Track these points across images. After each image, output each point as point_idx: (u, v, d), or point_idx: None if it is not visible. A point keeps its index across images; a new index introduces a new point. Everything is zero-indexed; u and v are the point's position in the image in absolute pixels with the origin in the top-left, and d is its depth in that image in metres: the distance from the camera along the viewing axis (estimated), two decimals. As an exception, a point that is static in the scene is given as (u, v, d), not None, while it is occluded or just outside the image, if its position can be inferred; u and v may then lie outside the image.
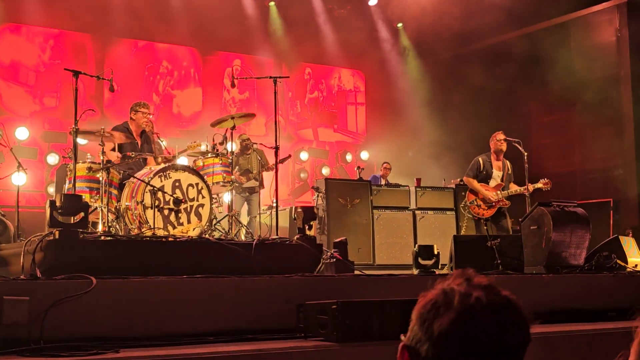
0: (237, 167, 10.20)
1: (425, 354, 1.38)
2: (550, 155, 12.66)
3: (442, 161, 13.00)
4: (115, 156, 7.37)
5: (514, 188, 9.00)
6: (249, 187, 10.18)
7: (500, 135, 9.12)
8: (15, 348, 3.61)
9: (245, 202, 10.26)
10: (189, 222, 6.78)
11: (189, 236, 6.22)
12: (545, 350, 4.84)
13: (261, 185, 10.43)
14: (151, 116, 8.19)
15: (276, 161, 7.40)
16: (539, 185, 8.86)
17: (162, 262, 5.09)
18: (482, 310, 1.37)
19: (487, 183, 9.02)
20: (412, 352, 1.41)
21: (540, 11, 12.97)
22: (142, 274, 4.53)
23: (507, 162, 9.22)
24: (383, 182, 11.79)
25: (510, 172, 9.19)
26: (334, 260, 6.24)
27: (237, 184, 8.71)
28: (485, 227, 8.22)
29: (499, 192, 8.92)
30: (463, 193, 9.41)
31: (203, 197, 6.96)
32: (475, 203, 8.98)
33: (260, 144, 9.70)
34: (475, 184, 9.02)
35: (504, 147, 9.07)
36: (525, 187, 8.75)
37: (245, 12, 14.14)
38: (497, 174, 9.09)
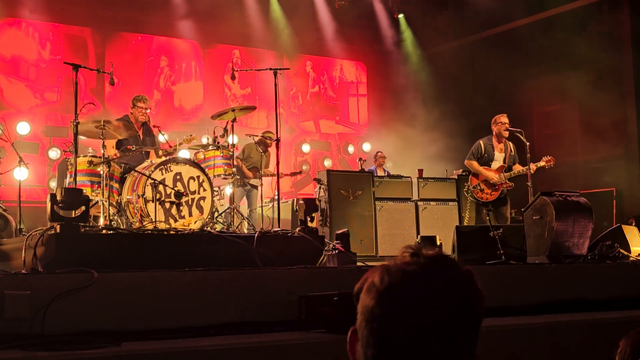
0: (248, 159, 10.13)
1: (361, 335, 1.34)
2: (552, 145, 12.62)
3: (444, 152, 12.97)
4: (113, 152, 7.37)
5: (517, 169, 8.95)
6: (253, 183, 10.15)
7: (504, 119, 9.02)
8: (17, 342, 3.60)
9: (245, 195, 10.22)
10: (190, 215, 6.77)
11: (190, 229, 6.21)
12: (549, 339, 4.83)
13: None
14: (148, 110, 8.17)
15: (277, 147, 7.39)
16: (542, 163, 8.77)
17: (163, 255, 5.09)
18: (408, 284, 1.30)
19: (489, 166, 9.00)
20: (356, 334, 1.37)
21: (542, 1, 12.92)
22: (144, 267, 4.53)
23: (510, 143, 9.15)
24: (379, 172, 11.78)
25: (513, 153, 9.13)
26: (336, 252, 6.22)
27: (238, 177, 8.66)
28: (487, 217, 8.18)
29: (501, 174, 8.88)
30: (466, 183, 9.38)
31: (204, 189, 6.95)
32: (479, 187, 8.95)
33: (271, 139, 9.65)
34: (476, 165, 8.99)
35: (505, 133, 9.01)
36: (527, 166, 8.70)
37: (246, 5, 14.10)
38: (499, 156, 9.04)
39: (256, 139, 9.99)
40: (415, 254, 1.34)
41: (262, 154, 10.03)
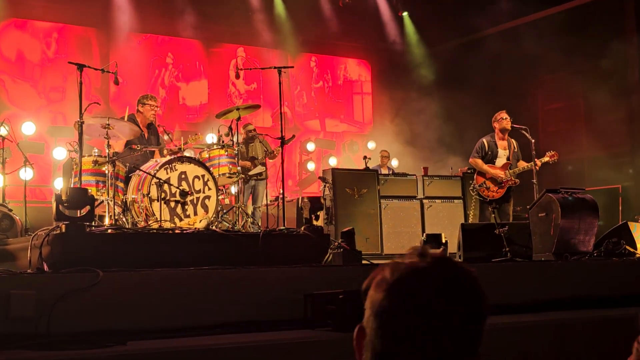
0: (241, 155, 10.14)
1: (369, 330, 1.36)
2: (558, 142, 12.55)
3: (448, 149, 12.94)
4: (119, 148, 7.36)
5: (522, 165, 8.93)
6: (256, 173, 10.06)
7: (504, 114, 9.01)
8: (23, 342, 3.61)
9: (252, 193, 10.15)
10: (195, 214, 6.77)
11: (195, 228, 6.22)
12: (555, 337, 4.82)
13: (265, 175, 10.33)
14: (158, 109, 8.17)
15: (282, 146, 7.38)
16: (546, 158, 8.77)
17: (169, 254, 5.09)
18: (417, 279, 1.33)
19: (494, 163, 8.98)
20: (363, 331, 1.38)
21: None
22: (149, 266, 4.53)
23: (513, 140, 9.13)
24: (383, 170, 11.77)
25: (516, 150, 9.11)
26: (342, 250, 6.22)
27: (242, 175, 8.65)
28: (493, 215, 8.16)
29: (506, 171, 8.86)
30: (470, 181, 9.36)
31: (209, 188, 6.95)
32: (485, 185, 8.92)
33: (266, 135, 9.66)
34: (481, 164, 8.96)
35: (509, 125, 8.95)
36: (532, 162, 8.66)
37: (250, 3, 14.10)
38: (502, 153, 9.02)
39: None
40: (422, 254, 1.37)
41: (249, 146, 10.03)
